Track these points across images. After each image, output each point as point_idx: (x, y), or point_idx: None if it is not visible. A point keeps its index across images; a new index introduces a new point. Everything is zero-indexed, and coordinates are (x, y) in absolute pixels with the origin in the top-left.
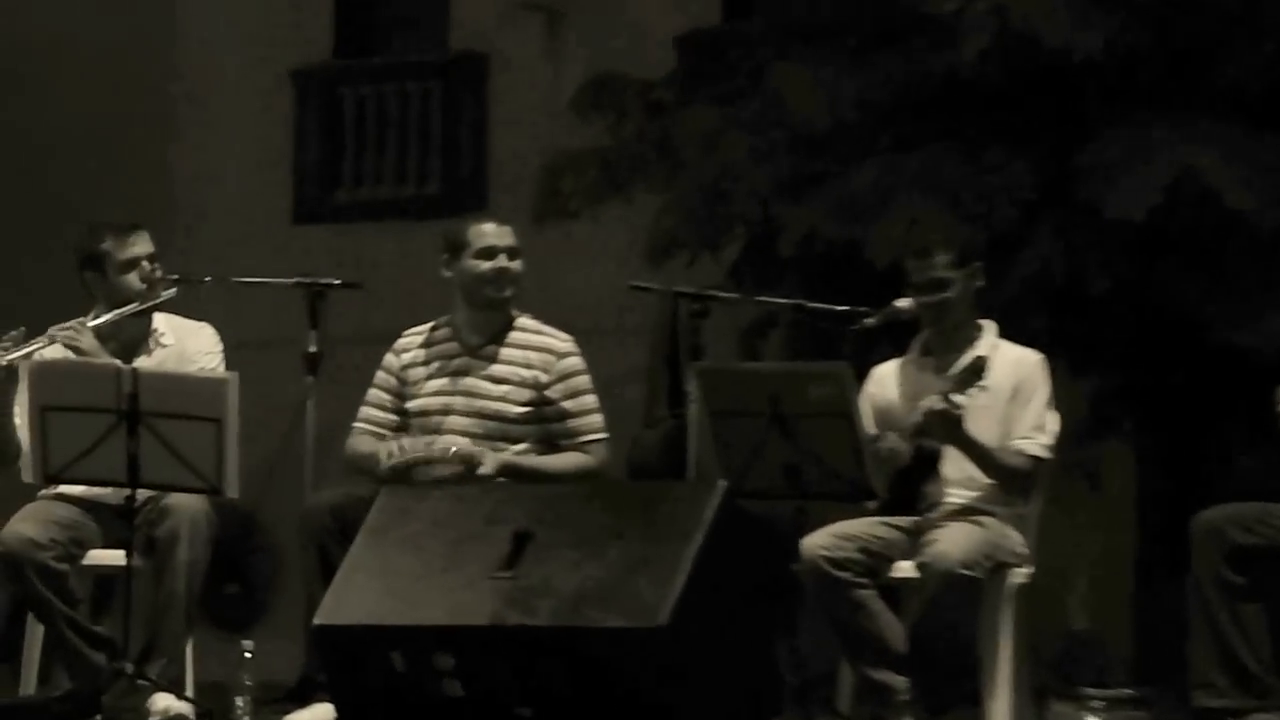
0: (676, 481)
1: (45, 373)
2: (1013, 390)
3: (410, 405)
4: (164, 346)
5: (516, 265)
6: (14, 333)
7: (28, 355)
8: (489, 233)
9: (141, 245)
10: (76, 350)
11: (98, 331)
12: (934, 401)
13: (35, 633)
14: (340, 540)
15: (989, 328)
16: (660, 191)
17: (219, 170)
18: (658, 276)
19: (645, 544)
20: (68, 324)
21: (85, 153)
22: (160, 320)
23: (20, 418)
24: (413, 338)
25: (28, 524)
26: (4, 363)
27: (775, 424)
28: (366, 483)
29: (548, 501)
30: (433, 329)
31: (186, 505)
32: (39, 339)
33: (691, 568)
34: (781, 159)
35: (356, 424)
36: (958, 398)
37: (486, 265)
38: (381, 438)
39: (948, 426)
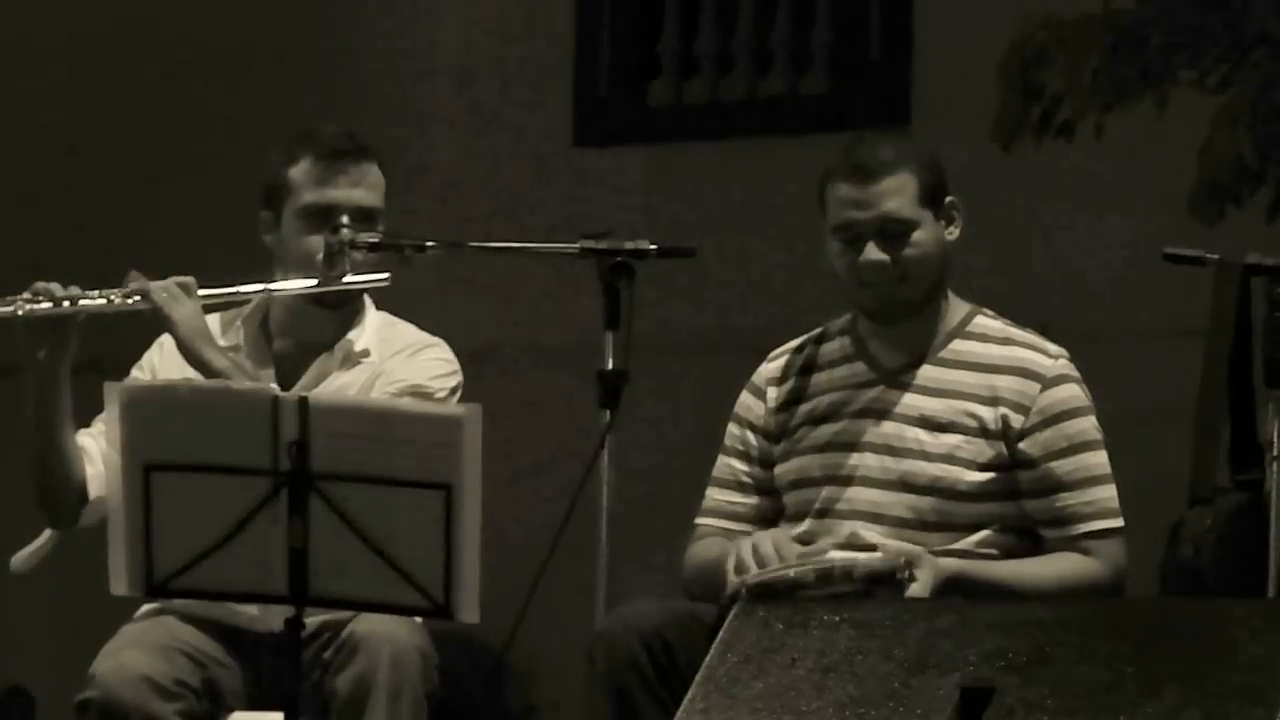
0: (1250, 600)
1: (150, 402)
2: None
3: (782, 469)
4: (359, 364)
5: (919, 250)
6: (41, 285)
7: (62, 311)
8: (844, 196)
9: (346, 187)
10: (169, 328)
11: (253, 323)
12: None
13: None
14: (657, 691)
15: None
16: (1216, 90)
17: (449, 48)
18: (1209, 239)
19: (1198, 710)
20: (167, 283)
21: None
22: (370, 323)
23: (94, 446)
24: (785, 360)
25: (139, 653)
26: (20, 313)
27: None
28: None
29: (1021, 631)
30: (818, 342)
31: (388, 637)
32: (93, 293)
33: None
34: None
35: (701, 519)
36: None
37: (836, 246)
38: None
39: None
